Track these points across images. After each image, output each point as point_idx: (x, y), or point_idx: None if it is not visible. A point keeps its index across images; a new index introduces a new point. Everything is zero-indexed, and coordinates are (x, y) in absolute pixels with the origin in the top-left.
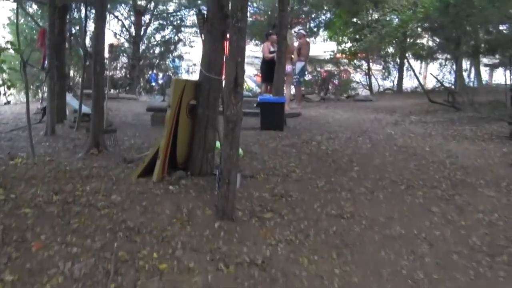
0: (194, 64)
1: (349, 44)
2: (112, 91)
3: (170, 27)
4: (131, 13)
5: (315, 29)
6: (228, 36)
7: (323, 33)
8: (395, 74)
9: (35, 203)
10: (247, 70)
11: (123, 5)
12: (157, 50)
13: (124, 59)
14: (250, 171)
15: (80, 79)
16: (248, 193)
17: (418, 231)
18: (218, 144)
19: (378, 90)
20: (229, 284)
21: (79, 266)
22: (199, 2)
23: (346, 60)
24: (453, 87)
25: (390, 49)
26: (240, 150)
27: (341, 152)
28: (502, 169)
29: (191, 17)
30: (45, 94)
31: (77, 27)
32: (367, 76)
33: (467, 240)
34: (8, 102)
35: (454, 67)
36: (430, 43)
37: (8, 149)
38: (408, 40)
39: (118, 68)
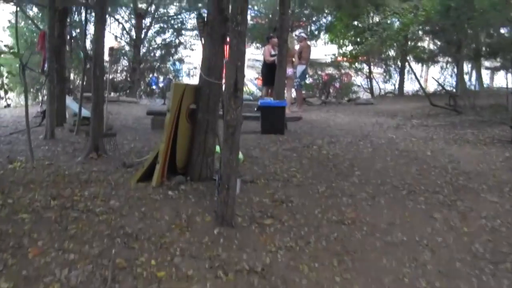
0: (195, 67)
1: (350, 47)
2: (112, 94)
3: (170, 30)
4: (132, 16)
5: (316, 32)
6: (228, 39)
7: (324, 36)
8: (396, 77)
9: (33, 208)
10: (248, 73)
11: (123, 8)
12: (158, 53)
13: (124, 62)
14: (250, 176)
15: (80, 82)
16: (248, 199)
17: (420, 237)
18: (218, 148)
19: (379, 94)
20: None
21: (76, 273)
22: (199, 5)
23: (347, 63)
24: (454, 90)
25: (391, 52)
26: (241, 155)
27: (342, 157)
28: (505, 174)
29: (192, 20)
30: (45, 97)
31: (78, 30)
32: (368, 80)
33: (469, 247)
34: (8, 105)
35: (455, 70)
36: (431, 46)
37: (7, 153)
38: (409, 43)
39: (119, 71)
